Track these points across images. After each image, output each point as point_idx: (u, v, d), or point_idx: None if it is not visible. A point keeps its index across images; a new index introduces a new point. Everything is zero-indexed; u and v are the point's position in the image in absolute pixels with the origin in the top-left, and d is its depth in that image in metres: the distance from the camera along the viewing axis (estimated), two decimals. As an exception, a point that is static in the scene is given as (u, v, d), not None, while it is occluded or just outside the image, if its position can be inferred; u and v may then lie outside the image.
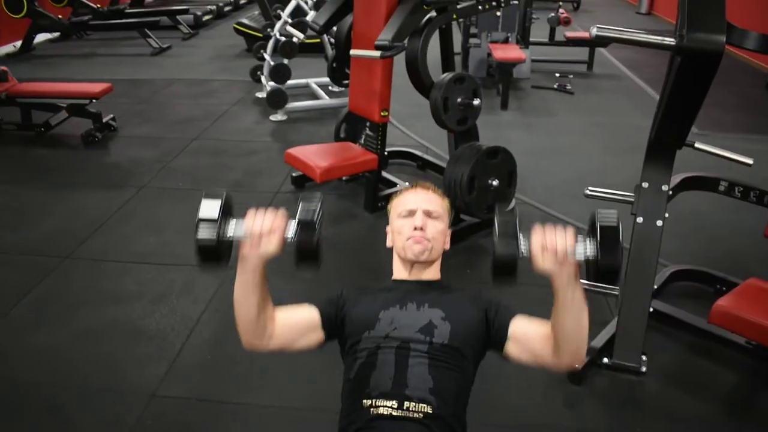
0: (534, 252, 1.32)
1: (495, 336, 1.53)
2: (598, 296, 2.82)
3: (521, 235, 1.34)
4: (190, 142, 5.03)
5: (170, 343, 2.67)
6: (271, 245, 1.36)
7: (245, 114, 5.80)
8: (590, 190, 2.73)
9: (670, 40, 2.01)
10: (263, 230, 1.35)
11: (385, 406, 1.40)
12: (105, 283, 3.13)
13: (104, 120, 5.10)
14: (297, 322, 1.55)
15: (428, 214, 1.61)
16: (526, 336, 1.49)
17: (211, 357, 2.61)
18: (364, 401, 1.43)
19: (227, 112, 5.84)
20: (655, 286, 2.90)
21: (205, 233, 1.32)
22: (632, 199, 2.60)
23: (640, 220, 2.55)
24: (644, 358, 2.49)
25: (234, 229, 1.36)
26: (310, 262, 1.40)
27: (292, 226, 1.38)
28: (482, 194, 3.36)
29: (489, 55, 6.67)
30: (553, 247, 1.30)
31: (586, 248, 1.30)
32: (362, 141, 3.91)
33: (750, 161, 2.53)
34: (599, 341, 2.55)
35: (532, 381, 2.43)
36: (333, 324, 1.57)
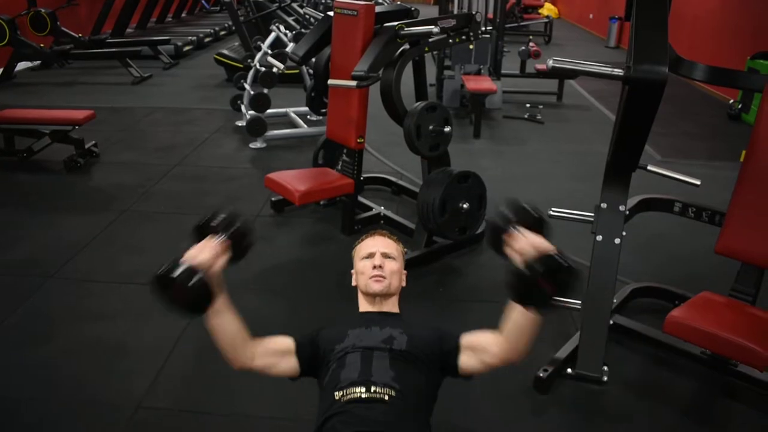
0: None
1: (448, 352, 1.77)
2: (562, 310, 2.97)
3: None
4: (172, 168, 5.14)
5: (154, 358, 2.76)
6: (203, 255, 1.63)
7: (225, 142, 5.93)
8: (554, 211, 2.88)
9: (618, 71, 2.21)
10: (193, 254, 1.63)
11: (355, 392, 1.59)
12: (89, 302, 3.21)
13: (86, 146, 5.19)
14: (274, 347, 1.79)
15: (385, 255, 1.92)
16: (477, 343, 1.76)
17: (194, 370, 2.70)
18: (336, 393, 1.62)
19: (208, 139, 5.96)
20: (617, 302, 3.07)
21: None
22: (592, 219, 2.78)
23: (599, 238, 2.72)
24: (605, 368, 2.63)
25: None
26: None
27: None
28: (454, 217, 3.51)
29: (462, 86, 6.90)
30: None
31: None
32: (339, 167, 4.05)
33: (697, 182, 2.70)
34: (563, 353, 2.69)
35: (500, 390, 2.56)
36: (307, 353, 1.80)
